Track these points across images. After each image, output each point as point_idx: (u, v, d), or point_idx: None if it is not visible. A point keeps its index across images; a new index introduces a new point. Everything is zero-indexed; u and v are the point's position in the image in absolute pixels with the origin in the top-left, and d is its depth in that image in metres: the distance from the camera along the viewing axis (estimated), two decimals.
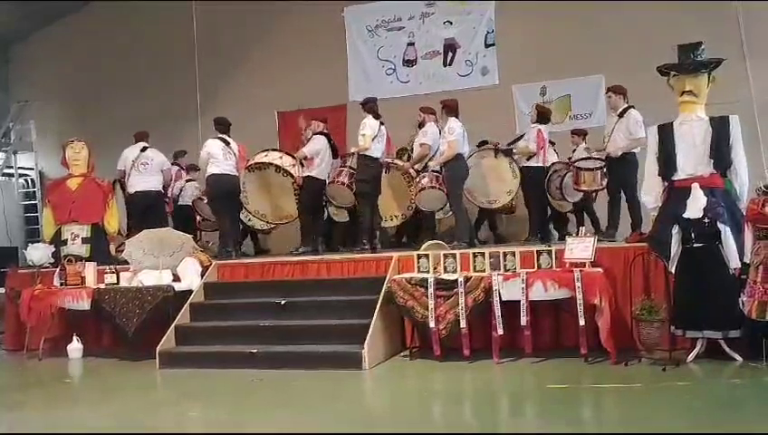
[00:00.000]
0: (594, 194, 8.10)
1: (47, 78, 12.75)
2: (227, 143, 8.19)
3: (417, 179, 8.01)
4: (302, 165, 8.21)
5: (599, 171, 7.67)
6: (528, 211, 8.51)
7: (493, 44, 10.68)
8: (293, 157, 8.32)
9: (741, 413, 4.12)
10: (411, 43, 11.10)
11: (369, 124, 7.70)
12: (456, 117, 7.82)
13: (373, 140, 7.65)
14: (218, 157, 8.03)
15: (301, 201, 8.21)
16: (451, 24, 10.91)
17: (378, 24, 11.28)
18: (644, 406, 4.37)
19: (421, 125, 8.30)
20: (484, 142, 9.02)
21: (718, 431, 3.74)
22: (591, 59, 9.66)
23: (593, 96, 9.99)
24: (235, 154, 8.19)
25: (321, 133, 8.31)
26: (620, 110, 7.36)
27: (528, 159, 8.27)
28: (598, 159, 7.71)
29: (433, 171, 7.89)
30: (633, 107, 7.33)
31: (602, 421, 4.34)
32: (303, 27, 11.20)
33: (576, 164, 7.96)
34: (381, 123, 7.85)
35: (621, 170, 7.34)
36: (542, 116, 8.50)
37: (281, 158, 8.29)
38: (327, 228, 8.99)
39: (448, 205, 8.03)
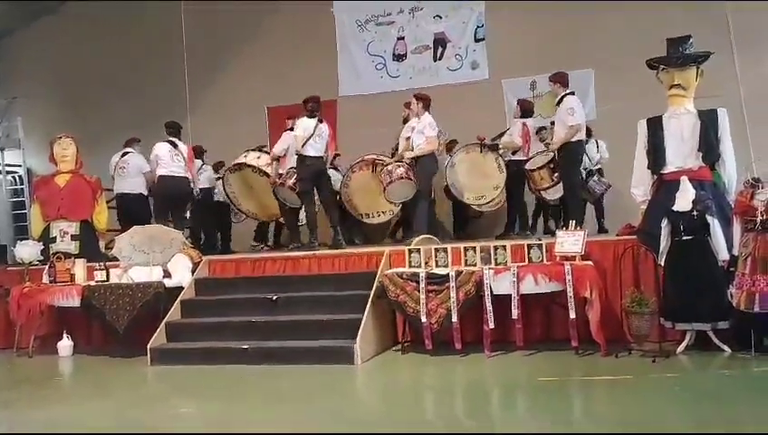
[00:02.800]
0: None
1: (35, 74, 12.63)
2: (175, 145, 8.35)
3: (390, 169, 7.82)
4: (278, 162, 8.33)
5: (544, 169, 7.62)
6: (514, 206, 8.51)
7: (482, 39, 10.69)
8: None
9: (730, 404, 4.16)
10: (401, 38, 11.09)
11: (302, 125, 7.73)
12: (428, 111, 7.79)
13: (308, 139, 7.65)
14: (165, 159, 8.26)
15: (279, 199, 8.34)
16: (441, 18, 10.90)
17: (367, 18, 11.25)
18: (634, 398, 4.40)
19: (406, 120, 8.29)
20: (453, 142, 9.03)
21: (707, 422, 3.78)
22: (581, 53, 9.68)
23: (583, 90, 10.00)
24: (183, 156, 8.36)
25: (290, 129, 8.38)
26: (558, 98, 7.27)
27: (514, 154, 8.27)
28: (549, 151, 7.65)
29: (405, 162, 7.83)
30: (572, 93, 7.25)
31: (592, 413, 4.37)
32: (293, 22, 11.16)
33: (526, 166, 7.96)
34: (320, 121, 7.83)
35: (562, 162, 7.28)
36: (526, 110, 8.49)
37: (258, 158, 8.53)
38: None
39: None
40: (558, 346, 5.74)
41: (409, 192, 7.84)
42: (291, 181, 8.03)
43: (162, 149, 8.32)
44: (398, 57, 11.08)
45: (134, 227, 7.40)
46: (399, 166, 7.81)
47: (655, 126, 5.75)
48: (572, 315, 5.48)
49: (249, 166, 8.54)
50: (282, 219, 9.11)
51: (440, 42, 10.92)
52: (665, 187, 5.61)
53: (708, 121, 5.59)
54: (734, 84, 9.21)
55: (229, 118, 11.10)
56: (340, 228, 7.93)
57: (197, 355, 6.13)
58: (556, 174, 7.51)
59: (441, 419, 4.37)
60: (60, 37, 12.36)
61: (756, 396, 4.29)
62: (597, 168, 8.67)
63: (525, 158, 8.26)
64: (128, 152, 9.14)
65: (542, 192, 7.99)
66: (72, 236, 8.06)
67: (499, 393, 4.90)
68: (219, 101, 11.44)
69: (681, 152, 5.62)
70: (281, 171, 8.22)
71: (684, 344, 5.35)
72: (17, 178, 12.30)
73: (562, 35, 9.92)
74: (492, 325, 5.65)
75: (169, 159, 8.27)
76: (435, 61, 10.93)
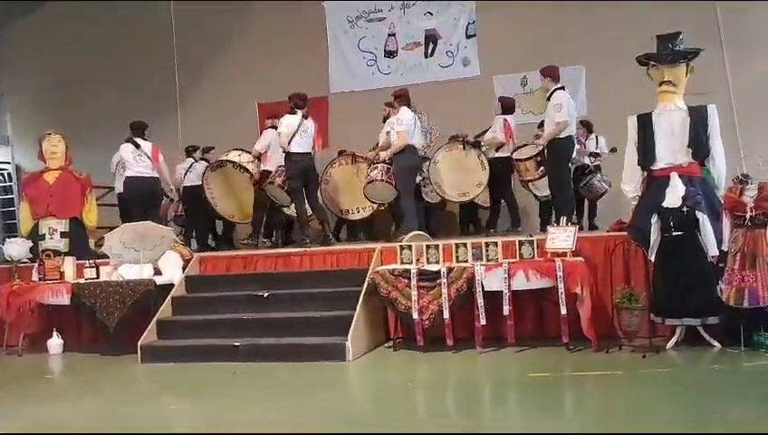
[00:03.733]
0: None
1: (23, 70, 12.51)
2: (138, 146, 8.32)
3: (368, 171, 7.94)
4: (260, 160, 8.45)
5: (531, 160, 7.60)
6: (498, 202, 8.47)
7: (474, 35, 10.67)
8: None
9: (720, 398, 4.18)
10: (392, 34, 11.05)
11: (286, 122, 7.72)
12: (408, 106, 7.78)
13: (293, 136, 7.65)
14: (129, 160, 8.32)
15: (257, 195, 8.44)
16: (432, 14, 10.87)
17: (358, 15, 11.21)
18: (624, 393, 4.43)
19: (386, 119, 8.30)
20: (454, 137, 9.02)
21: (697, 416, 3.80)
22: (572, 50, 9.68)
23: (574, 87, 10.02)
24: (147, 155, 8.32)
25: (271, 127, 8.46)
26: (549, 93, 7.25)
27: (497, 150, 8.27)
28: (537, 144, 7.62)
29: (384, 163, 7.83)
30: (562, 88, 7.22)
31: (583, 408, 4.39)
32: (284, 18, 11.11)
33: (513, 156, 7.96)
34: (305, 117, 7.82)
35: (550, 157, 7.27)
36: (506, 107, 8.44)
37: (239, 155, 8.62)
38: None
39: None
40: (549, 342, 5.76)
41: (389, 193, 7.86)
42: (279, 180, 8.05)
43: (125, 150, 8.34)
44: (389, 54, 11.05)
45: (124, 224, 7.36)
46: (375, 168, 7.82)
47: (645, 122, 5.76)
48: (563, 311, 5.49)
49: (230, 162, 8.61)
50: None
51: (431, 38, 10.90)
52: (655, 183, 5.63)
53: (698, 118, 5.61)
54: (724, 81, 9.25)
55: (219, 114, 11.05)
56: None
57: (188, 353, 6.11)
58: (542, 168, 7.51)
59: (433, 415, 4.38)
60: (49, 33, 12.24)
61: (746, 390, 4.32)
62: (596, 164, 8.70)
63: (509, 154, 8.23)
64: None
65: (528, 184, 7.97)
66: (61, 233, 8.00)
67: (490, 389, 4.91)
68: (209, 98, 11.38)
69: (671, 148, 5.63)
70: (264, 168, 8.30)
71: (674, 340, 5.38)
72: (6, 175, 12.20)
73: (553, 32, 9.92)
74: (483, 322, 5.66)
75: (133, 160, 8.28)
76: (426, 57, 10.91)
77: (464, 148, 8.36)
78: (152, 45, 11.76)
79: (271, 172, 8.30)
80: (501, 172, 8.20)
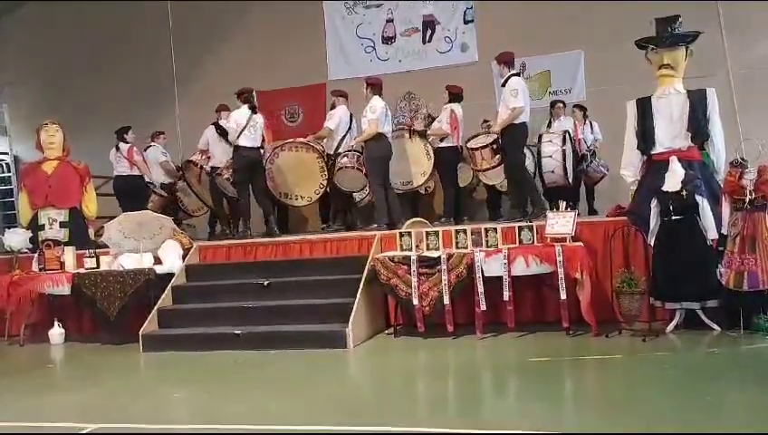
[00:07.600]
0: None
1: (20, 61, 12.46)
2: (117, 148, 9.31)
3: (338, 159, 7.92)
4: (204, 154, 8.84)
5: (486, 149, 7.55)
6: (443, 192, 8.49)
7: (472, 21, 10.61)
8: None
9: (719, 381, 4.20)
10: (390, 20, 10.99)
11: (235, 117, 7.94)
12: (380, 96, 7.75)
13: (243, 130, 7.81)
14: (113, 162, 9.36)
15: (211, 191, 8.77)
16: (429, 0, 10.81)
17: (356, 1, 11.15)
18: (624, 376, 4.45)
19: (333, 108, 8.38)
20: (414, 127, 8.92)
21: (696, 399, 3.82)
22: (571, 34, 9.64)
23: (572, 71, 10.01)
24: (124, 156, 9.26)
25: (212, 124, 8.73)
26: (503, 79, 7.21)
27: (442, 141, 8.21)
28: (492, 133, 7.56)
29: (354, 151, 7.81)
30: (517, 75, 7.20)
31: (583, 393, 4.41)
32: (282, 6, 11.04)
33: (468, 144, 7.91)
34: (254, 112, 8.00)
35: (505, 144, 7.23)
36: (454, 95, 8.36)
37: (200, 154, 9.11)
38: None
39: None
40: (549, 327, 5.78)
41: (360, 181, 7.86)
42: (228, 173, 8.22)
43: (111, 154, 9.33)
44: (387, 40, 10.99)
45: (123, 213, 7.37)
46: (345, 155, 7.81)
47: (644, 106, 5.74)
48: (563, 296, 5.51)
49: (190, 161, 9.19)
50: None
51: (429, 24, 10.83)
52: (654, 167, 5.63)
53: (697, 101, 5.59)
54: (723, 64, 9.21)
55: (218, 102, 11.00)
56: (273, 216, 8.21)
57: (189, 341, 6.13)
58: (497, 156, 7.46)
59: (433, 401, 4.39)
60: (45, 23, 12.18)
61: (745, 373, 4.34)
62: (591, 150, 8.68)
63: (455, 144, 8.19)
64: (150, 146, 9.69)
65: (482, 174, 7.91)
66: (60, 223, 7.99)
67: (491, 374, 4.93)
68: (207, 87, 11.30)
69: (670, 132, 5.62)
70: (211, 164, 8.56)
71: (673, 323, 5.40)
72: (4, 165, 12.17)
73: (552, 16, 9.86)
74: (483, 307, 5.68)
75: (115, 162, 9.30)
76: (424, 43, 10.85)
77: (410, 136, 8.34)
78: (149, 34, 11.69)
79: (215, 168, 8.49)
80: (445, 162, 8.19)
